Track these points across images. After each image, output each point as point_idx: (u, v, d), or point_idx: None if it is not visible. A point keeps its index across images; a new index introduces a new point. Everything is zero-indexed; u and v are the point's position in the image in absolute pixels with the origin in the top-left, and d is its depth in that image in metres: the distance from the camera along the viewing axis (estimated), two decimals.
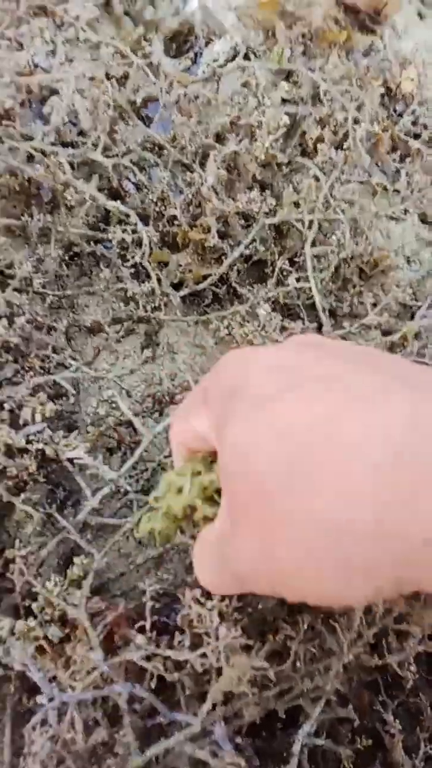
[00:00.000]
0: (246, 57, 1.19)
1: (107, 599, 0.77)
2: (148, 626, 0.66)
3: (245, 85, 1.10)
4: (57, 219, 1.05)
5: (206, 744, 0.58)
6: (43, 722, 0.58)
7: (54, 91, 1.07)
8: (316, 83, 1.14)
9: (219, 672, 0.59)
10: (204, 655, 0.58)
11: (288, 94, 1.10)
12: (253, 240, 1.01)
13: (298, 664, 0.60)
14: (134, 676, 0.63)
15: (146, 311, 1.05)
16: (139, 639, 0.65)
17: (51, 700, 0.59)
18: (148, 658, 0.63)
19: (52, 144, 1.04)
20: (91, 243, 1.09)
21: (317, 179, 1.01)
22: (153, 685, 0.61)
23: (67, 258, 1.09)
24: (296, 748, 0.57)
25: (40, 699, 0.60)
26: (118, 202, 1.00)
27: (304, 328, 0.99)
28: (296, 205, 1.01)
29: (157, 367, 1.07)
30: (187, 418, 0.53)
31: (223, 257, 1.05)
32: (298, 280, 1.01)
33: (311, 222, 1.00)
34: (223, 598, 0.62)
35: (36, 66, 1.03)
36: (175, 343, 1.10)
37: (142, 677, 0.62)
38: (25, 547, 0.81)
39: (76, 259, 1.10)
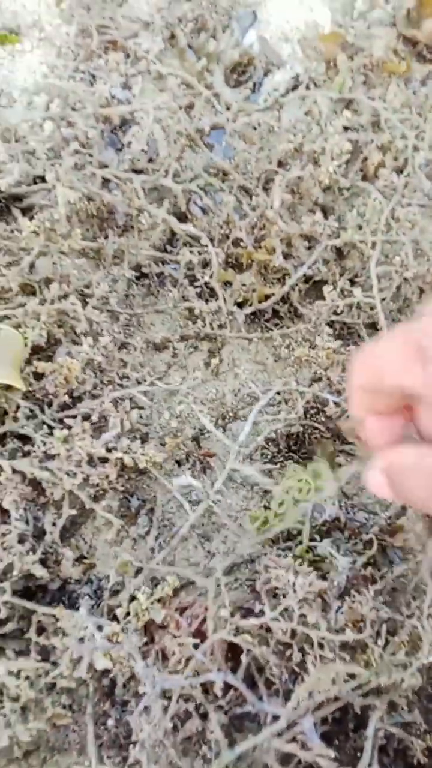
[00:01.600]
0: (307, 87, 1.24)
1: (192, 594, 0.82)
2: (227, 603, 0.72)
3: (308, 113, 1.15)
4: (128, 241, 1.11)
5: (292, 736, 0.62)
6: (146, 709, 0.63)
7: (127, 121, 1.13)
8: (376, 111, 1.19)
9: (302, 651, 0.64)
10: (286, 614, 0.63)
11: (349, 122, 1.15)
12: (316, 261, 1.06)
13: (377, 659, 0.64)
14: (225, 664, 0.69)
15: (212, 328, 1.11)
16: (223, 612, 0.71)
17: (152, 687, 0.64)
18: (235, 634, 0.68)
19: (126, 171, 1.11)
20: (159, 264, 1.15)
21: (379, 202, 1.06)
22: (243, 673, 0.66)
23: (134, 278, 1.15)
24: (370, 731, 0.61)
25: (142, 689, 0.65)
26: (190, 225, 1.05)
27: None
28: (359, 227, 1.05)
29: (221, 383, 1.12)
30: (386, 371, 0.51)
31: (285, 277, 1.11)
32: (358, 305, 1.06)
33: (374, 243, 1.04)
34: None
35: (113, 97, 1.09)
36: (237, 359, 1.15)
37: (234, 667, 0.67)
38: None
39: (142, 279, 1.16)
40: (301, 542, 0.89)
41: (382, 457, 0.59)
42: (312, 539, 0.90)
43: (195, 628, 0.74)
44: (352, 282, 1.10)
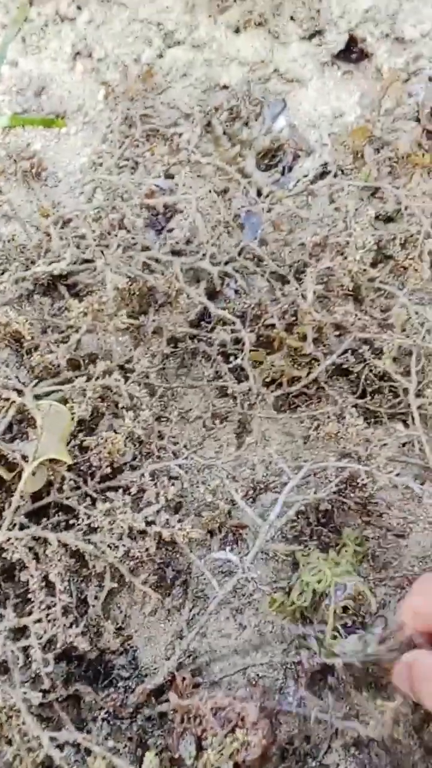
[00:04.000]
0: (335, 175, 1.32)
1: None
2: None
3: (335, 206, 1.22)
4: (166, 318, 1.17)
5: None
6: None
7: (168, 206, 1.21)
8: (400, 199, 1.26)
9: None
10: None
11: (375, 211, 1.22)
12: (345, 350, 1.12)
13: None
14: None
15: (243, 408, 1.16)
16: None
17: None
18: None
19: (166, 253, 1.17)
20: (194, 340, 1.21)
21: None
22: None
23: (168, 353, 1.20)
24: None
25: None
26: (226, 311, 1.12)
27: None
28: (388, 326, 1.12)
29: (251, 454, 1.17)
30: None
31: (314, 361, 1.16)
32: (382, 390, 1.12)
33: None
34: None
35: (157, 187, 1.17)
36: (266, 431, 1.20)
37: None
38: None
39: (176, 352, 1.22)
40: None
41: (411, 654, 0.70)
42: None
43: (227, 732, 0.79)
44: (380, 376, 1.15)
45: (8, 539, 0.86)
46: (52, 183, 1.36)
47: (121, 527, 0.90)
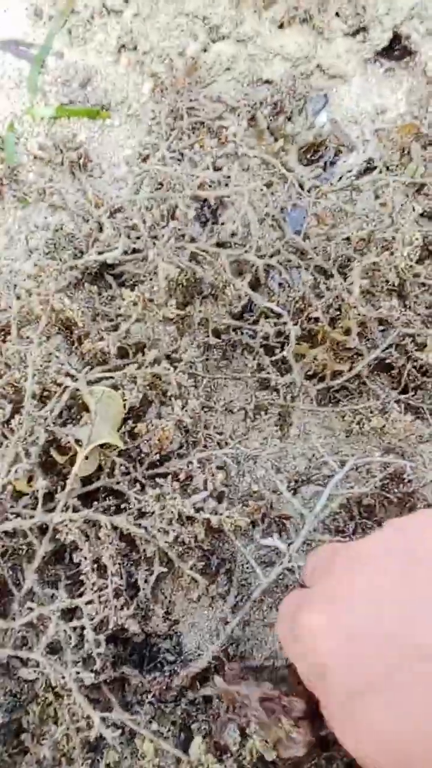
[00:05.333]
0: (380, 171, 1.33)
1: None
2: None
3: (381, 201, 1.23)
4: (211, 309, 1.18)
5: None
6: None
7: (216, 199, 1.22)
8: None
9: None
10: None
11: (421, 207, 1.22)
12: (389, 345, 1.13)
13: None
14: None
15: (285, 400, 1.17)
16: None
17: None
18: None
19: (212, 246, 1.18)
20: (237, 331, 1.22)
21: None
22: None
23: (212, 344, 1.21)
24: None
25: None
26: (274, 304, 1.13)
27: None
28: (431, 323, 1.12)
29: (291, 446, 1.18)
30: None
31: (357, 355, 1.17)
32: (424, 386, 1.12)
33: None
34: None
35: (208, 179, 1.18)
36: (307, 424, 1.21)
37: None
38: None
39: (218, 344, 1.23)
40: None
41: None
42: None
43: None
44: (423, 371, 1.16)
45: (62, 521, 0.87)
46: (96, 174, 1.37)
47: (171, 512, 0.91)
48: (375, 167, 1.35)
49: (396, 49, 1.56)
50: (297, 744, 0.83)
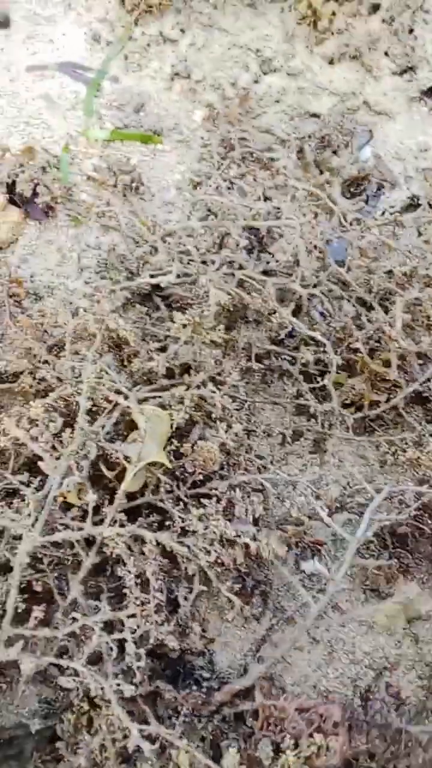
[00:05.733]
0: (424, 208, 1.36)
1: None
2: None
3: (426, 241, 1.26)
4: (254, 334, 1.21)
5: None
6: None
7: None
8: None
9: None
10: None
11: None
12: (428, 379, 1.15)
13: None
14: None
15: (323, 427, 1.20)
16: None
17: None
18: None
19: (260, 273, 1.21)
20: (278, 358, 1.25)
21: None
22: None
23: (254, 368, 1.24)
24: None
25: None
26: (317, 332, 1.15)
27: None
28: None
29: (326, 473, 1.20)
30: None
31: (394, 387, 1.19)
32: None
33: None
34: None
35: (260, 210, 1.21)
36: (340, 452, 1.23)
37: None
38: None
39: (257, 370, 1.25)
40: None
41: None
42: None
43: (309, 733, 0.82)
44: None
45: (110, 535, 0.90)
46: (147, 197, 1.41)
47: (214, 533, 0.94)
48: (419, 204, 1.38)
49: None
50: (333, 753, 0.85)
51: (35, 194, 1.33)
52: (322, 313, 1.27)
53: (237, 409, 1.13)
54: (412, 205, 1.42)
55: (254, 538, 0.97)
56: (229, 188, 1.36)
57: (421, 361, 1.20)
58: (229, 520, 0.98)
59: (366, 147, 1.56)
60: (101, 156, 1.44)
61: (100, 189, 1.35)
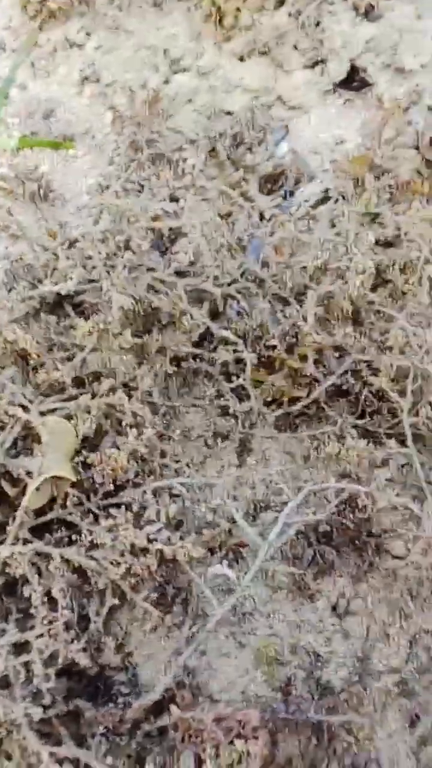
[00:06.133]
0: (335, 200, 1.35)
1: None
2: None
3: (336, 231, 1.25)
4: (169, 337, 1.19)
5: None
6: None
7: (173, 229, 1.23)
8: (399, 225, 1.29)
9: None
10: None
11: (375, 236, 1.25)
12: (345, 371, 1.14)
13: None
14: None
15: (244, 427, 1.18)
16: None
17: None
18: None
19: (170, 275, 1.19)
20: (196, 359, 1.23)
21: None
22: None
23: (171, 372, 1.22)
24: None
25: None
26: (229, 331, 1.14)
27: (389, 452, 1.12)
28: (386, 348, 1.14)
29: (251, 472, 1.18)
30: None
31: (314, 382, 1.18)
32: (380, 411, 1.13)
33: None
34: None
35: (163, 210, 1.20)
36: (267, 450, 1.22)
37: None
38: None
39: (179, 371, 1.23)
40: None
41: None
42: None
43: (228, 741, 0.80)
44: (379, 397, 1.17)
45: (12, 554, 0.87)
46: (59, 204, 1.39)
47: (124, 544, 0.92)
48: (331, 197, 1.37)
49: (354, 81, 1.59)
50: (254, 757, 0.83)
51: None
52: (238, 312, 1.26)
53: (153, 414, 1.11)
54: (326, 198, 1.41)
55: (169, 542, 0.95)
56: (139, 191, 1.34)
57: (337, 354, 1.19)
58: (141, 528, 0.96)
59: (282, 142, 1.55)
60: (9, 165, 1.40)
61: (6, 198, 1.32)
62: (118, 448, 1.01)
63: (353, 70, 1.57)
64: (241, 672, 1.01)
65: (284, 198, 1.48)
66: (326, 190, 1.42)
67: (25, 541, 0.90)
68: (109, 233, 1.13)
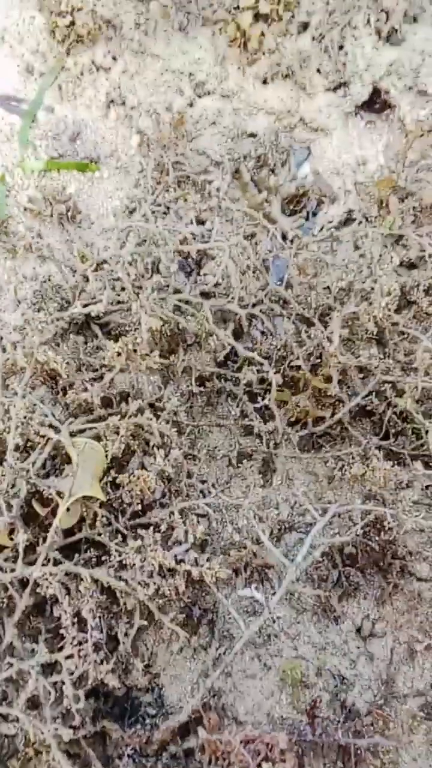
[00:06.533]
0: (359, 222, 1.36)
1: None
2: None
3: (360, 253, 1.26)
4: (194, 358, 1.20)
5: None
6: None
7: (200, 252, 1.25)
8: (423, 247, 1.30)
9: None
10: None
11: (399, 258, 1.25)
12: (369, 392, 1.15)
13: None
14: None
15: (268, 447, 1.19)
16: None
17: None
18: None
19: (195, 296, 1.21)
20: (221, 379, 1.24)
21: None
22: None
23: (196, 392, 1.23)
24: None
25: None
26: (254, 352, 1.15)
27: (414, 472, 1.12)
28: (410, 370, 1.14)
29: (275, 492, 1.19)
30: None
31: (338, 402, 1.19)
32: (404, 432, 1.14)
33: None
34: None
35: (191, 234, 1.21)
36: (290, 470, 1.22)
37: None
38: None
39: (203, 391, 1.24)
40: None
41: None
42: None
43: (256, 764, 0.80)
44: (403, 418, 1.18)
45: (43, 575, 0.88)
46: (86, 225, 1.41)
47: (152, 564, 0.92)
48: (355, 219, 1.39)
49: (377, 103, 1.61)
50: None
51: None
52: (263, 332, 1.27)
53: (178, 433, 1.12)
54: (350, 219, 1.42)
55: (196, 563, 0.96)
56: (165, 213, 1.36)
57: (362, 375, 1.19)
58: (169, 548, 0.97)
59: (305, 164, 1.57)
60: (37, 186, 1.43)
61: (33, 221, 1.34)
62: (146, 469, 1.02)
63: (375, 93, 1.59)
64: (266, 694, 1.01)
65: (306, 219, 1.50)
66: (349, 212, 1.43)
67: (56, 562, 0.91)
68: (138, 256, 1.14)
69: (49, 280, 1.24)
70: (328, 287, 1.25)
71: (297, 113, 1.58)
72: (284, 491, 1.19)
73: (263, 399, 1.18)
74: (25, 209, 1.39)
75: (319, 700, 0.99)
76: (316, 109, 1.58)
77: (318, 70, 1.57)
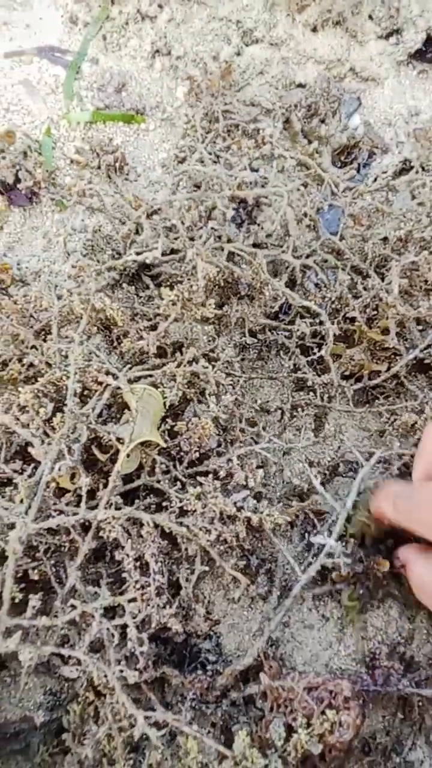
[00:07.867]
0: (416, 171, 1.32)
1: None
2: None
3: (420, 204, 1.22)
4: (248, 309, 1.18)
5: None
6: None
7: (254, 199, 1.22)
8: None
9: None
10: None
11: None
12: (428, 345, 1.12)
13: None
14: None
15: (322, 400, 1.16)
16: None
17: None
18: None
19: (248, 246, 1.18)
20: (272, 331, 1.21)
21: None
22: None
23: (249, 343, 1.21)
24: None
25: None
26: (312, 302, 1.12)
27: None
28: None
29: (326, 446, 1.17)
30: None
31: (394, 355, 1.16)
32: None
33: None
34: None
35: (243, 180, 1.18)
36: (343, 425, 1.20)
37: None
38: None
39: (254, 343, 1.23)
40: None
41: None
42: None
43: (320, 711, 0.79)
44: None
45: (106, 518, 0.87)
46: (132, 177, 1.38)
47: (213, 511, 0.91)
48: (411, 168, 1.34)
49: (429, 51, 1.55)
50: (347, 728, 0.82)
51: (17, 180, 1.30)
52: (316, 284, 1.24)
53: (232, 386, 1.10)
54: (405, 169, 1.38)
55: (255, 510, 0.95)
56: (214, 161, 1.32)
57: (420, 327, 1.16)
58: (228, 495, 0.95)
59: (355, 114, 1.52)
60: (83, 138, 1.40)
61: (83, 171, 1.32)
62: (198, 417, 1.01)
63: (429, 40, 1.53)
64: (324, 645, 1.00)
65: (358, 171, 1.45)
66: (405, 161, 1.39)
67: (117, 507, 0.90)
68: (192, 202, 1.11)
69: (100, 230, 1.22)
70: (384, 238, 1.22)
71: (347, 62, 1.53)
72: (335, 444, 1.17)
73: (316, 352, 1.16)
74: (72, 161, 1.37)
75: (378, 652, 0.97)
76: (367, 58, 1.53)
77: (370, 17, 1.51)
